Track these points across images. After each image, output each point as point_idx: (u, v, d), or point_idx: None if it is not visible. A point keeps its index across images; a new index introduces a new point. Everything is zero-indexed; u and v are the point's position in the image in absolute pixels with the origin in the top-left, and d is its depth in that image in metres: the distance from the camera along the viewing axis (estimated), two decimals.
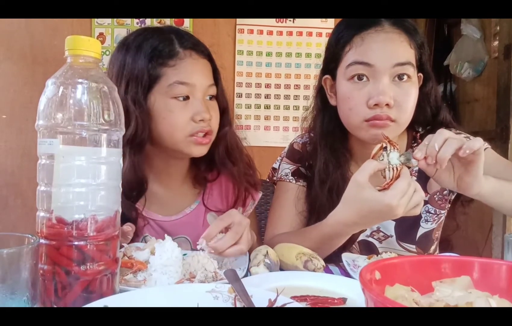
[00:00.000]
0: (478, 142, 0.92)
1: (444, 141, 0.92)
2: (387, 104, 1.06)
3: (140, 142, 1.08)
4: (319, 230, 1.07)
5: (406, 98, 1.09)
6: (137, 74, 1.07)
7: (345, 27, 1.15)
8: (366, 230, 1.23)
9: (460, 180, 0.97)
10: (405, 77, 1.08)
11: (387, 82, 1.07)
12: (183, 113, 1.08)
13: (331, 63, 1.18)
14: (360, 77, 1.09)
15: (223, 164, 1.22)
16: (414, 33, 1.12)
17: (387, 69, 1.06)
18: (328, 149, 1.20)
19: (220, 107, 1.18)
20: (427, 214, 1.22)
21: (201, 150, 1.13)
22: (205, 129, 1.11)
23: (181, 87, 1.08)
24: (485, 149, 1.17)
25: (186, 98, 1.09)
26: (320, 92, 1.24)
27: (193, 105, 1.09)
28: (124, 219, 1.00)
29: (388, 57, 1.07)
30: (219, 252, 0.92)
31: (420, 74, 1.16)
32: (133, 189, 1.11)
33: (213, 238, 0.93)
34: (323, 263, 0.96)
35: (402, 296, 0.58)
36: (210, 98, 1.15)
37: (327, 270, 1.01)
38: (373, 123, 1.08)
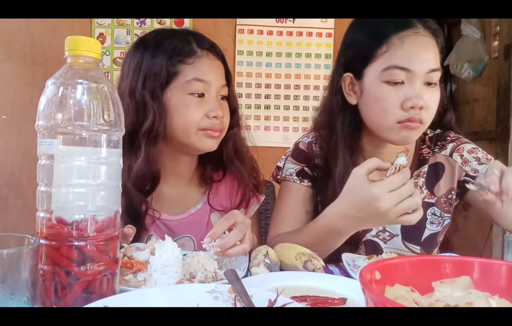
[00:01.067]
0: None
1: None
2: (420, 107, 1.07)
3: (156, 136, 1.12)
4: (314, 224, 1.08)
5: (433, 102, 1.11)
6: (155, 70, 1.12)
7: (378, 26, 1.12)
8: (371, 230, 1.23)
9: (495, 216, 1.01)
10: (434, 82, 1.10)
11: (420, 85, 1.08)
12: (198, 109, 1.12)
13: (357, 61, 1.15)
14: (396, 80, 1.09)
15: (231, 162, 1.25)
16: (439, 36, 1.13)
17: (422, 75, 1.08)
18: (348, 151, 1.18)
19: (231, 108, 1.22)
20: (433, 216, 1.22)
21: (212, 144, 1.16)
22: (217, 127, 1.15)
23: (198, 84, 1.12)
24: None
25: (202, 95, 1.13)
26: (340, 91, 1.20)
27: (208, 102, 1.13)
28: (134, 213, 1.10)
29: (425, 63, 1.08)
30: (224, 250, 0.92)
31: None
32: (147, 181, 1.14)
33: (218, 237, 0.94)
34: (322, 263, 0.96)
35: (402, 296, 0.58)
36: (222, 98, 1.19)
37: (327, 270, 1.01)
38: (405, 125, 1.09)
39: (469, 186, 0.98)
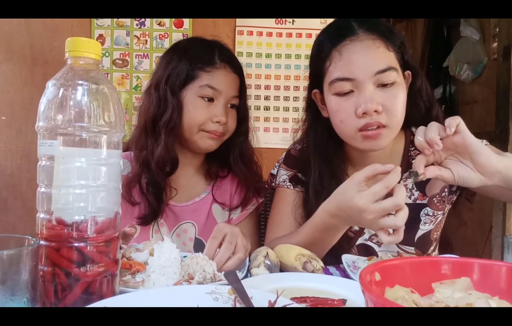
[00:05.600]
0: (457, 118, 0.93)
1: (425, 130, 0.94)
2: (375, 111, 1.06)
3: (174, 127, 1.25)
4: (310, 223, 1.09)
5: (394, 102, 1.08)
6: (178, 71, 1.27)
7: (323, 40, 1.16)
8: (363, 233, 1.23)
9: (477, 165, 0.95)
10: (389, 82, 1.08)
11: (372, 89, 1.06)
12: (204, 111, 1.25)
13: (316, 77, 1.19)
14: (344, 91, 1.09)
15: (237, 166, 1.36)
16: (390, 35, 1.11)
17: (369, 79, 1.06)
18: (322, 161, 1.20)
19: (240, 117, 1.34)
20: (426, 216, 1.22)
21: (211, 145, 1.29)
22: (219, 131, 1.27)
23: (209, 90, 1.25)
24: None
25: (211, 100, 1.26)
26: (310, 106, 1.25)
27: (215, 107, 1.26)
28: (157, 187, 1.28)
29: (367, 67, 1.06)
30: (220, 267, 0.93)
31: (408, 72, 1.16)
32: (167, 165, 1.28)
33: (211, 256, 0.94)
34: (322, 264, 0.96)
35: (402, 297, 0.58)
36: (232, 107, 1.31)
37: (326, 272, 1.01)
38: (366, 134, 1.08)
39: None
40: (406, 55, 1.15)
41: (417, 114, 1.20)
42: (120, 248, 0.76)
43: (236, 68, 1.32)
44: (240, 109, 1.34)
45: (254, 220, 1.43)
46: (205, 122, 1.25)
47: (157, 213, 1.29)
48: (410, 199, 1.22)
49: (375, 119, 1.06)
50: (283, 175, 1.31)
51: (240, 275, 0.87)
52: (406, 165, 1.24)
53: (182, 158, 1.33)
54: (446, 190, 1.22)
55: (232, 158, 1.36)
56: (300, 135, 1.33)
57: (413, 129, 1.26)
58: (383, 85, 1.07)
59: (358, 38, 1.09)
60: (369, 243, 1.24)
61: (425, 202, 1.22)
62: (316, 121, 1.24)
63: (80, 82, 0.68)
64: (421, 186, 1.23)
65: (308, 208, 1.21)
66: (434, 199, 1.22)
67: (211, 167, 1.40)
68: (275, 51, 2.99)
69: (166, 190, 1.31)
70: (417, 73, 1.19)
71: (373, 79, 1.06)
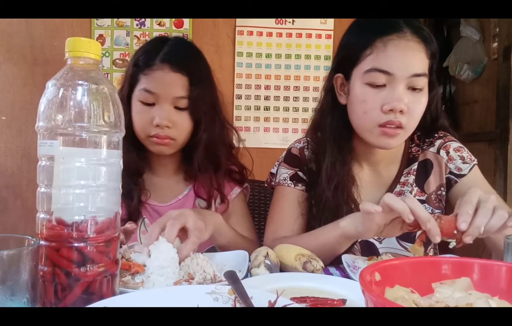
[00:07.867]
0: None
1: (492, 214, 0.91)
2: (400, 111, 1.08)
3: (127, 131, 1.19)
4: (323, 231, 1.11)
5: (417, 106, 1.11)
6: (127, 76, 1.29)
7: (366, 29, 1.16)
8: None
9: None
10: (419, 87, 1.10)
11: (403, 89, 1.08)
12: (145, 116, 1.24)
13: (346, 62, 1.18)
14: (377, 83, 1.10)
15: (204, 168, 1.31)
16: (430, 42, 1.13)
17: (404, 78, 1.08)
18: (336, 147, 1.21)
19: (193, 118, 1.27)
20: None
21: (162, 150, 1.27)
22: (161, 135, 1.23)
23: (146, 94, 1.23)
24: (473, 165, 1.21)
25: (152, 104, 1.23)
26: (331, 90, 1.25)
27: (155, 111, 1.22)
28: (129, 190, 1.25)
29: (407, 67, 1.08)
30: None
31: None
32: (130, 166, 1.24)
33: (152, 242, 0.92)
34: (322, 264, 0.96)
35: (402, 297, 0.58)
36: (180, 108, 1.24)
37: (327, 272, 1.01)
38: (384, 131, 1.10)
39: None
40: (434, 65, 1.16)
41: (421, 122, 1.21)
42: (120, 246, 0.76)
43: (182, 67, 1.23)
44: (191, 110, 1.25)
45: (241, 202, 1.41)
46: (147, 127, 1.23)
47: (133, 215, 1.27)
48: (411, 194, 1.23)
49: (398, 119, 1.09)
50: (284, 173, 1.30)
51: (240, 275, 0.87)
52: (407, 161, 1.27)
53: (159, 160, 1.34)
54: (442, 188, 1.24)
55: (196, 162, 1.30)
56: (314, 121, 1.32)
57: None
58: (413, 89, 1.10)
59: (405, 37, 1.10)
60: (371, 240, 1.24)
61: (423, 198, 1.24)
62: (334, 107, 1.24)
63: (80, 82, 0.68)
64: (420, 182, 1.24)
65: (316, 200, 1.21)
66: (432, 196, 1.24)
67: (189, 165, 1.35)
68: (275, 51, 3.00)
69: (138, 191, 1.30)
70: (434, 85, 1.20)
71: (407, 80, 1.08)
